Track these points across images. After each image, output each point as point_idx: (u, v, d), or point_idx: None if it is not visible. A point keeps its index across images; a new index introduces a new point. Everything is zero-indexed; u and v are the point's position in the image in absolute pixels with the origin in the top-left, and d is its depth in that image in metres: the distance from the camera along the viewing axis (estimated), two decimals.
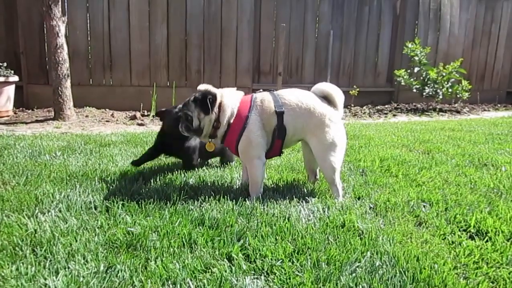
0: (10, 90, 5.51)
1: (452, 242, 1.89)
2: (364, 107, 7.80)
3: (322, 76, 7.81)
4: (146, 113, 6.26)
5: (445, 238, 1.94)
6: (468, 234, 1.99)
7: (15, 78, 5.56)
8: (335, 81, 7.57)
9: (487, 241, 1.90)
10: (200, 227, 1.91)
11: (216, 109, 2.31)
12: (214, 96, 2.31)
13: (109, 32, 6.47)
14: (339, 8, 7.91)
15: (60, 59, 5.22)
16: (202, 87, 2.38)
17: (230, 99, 2.35)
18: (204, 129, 2.36)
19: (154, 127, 5.29)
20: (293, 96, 2.37)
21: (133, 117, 5.82)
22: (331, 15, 7.88)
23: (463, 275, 1.62)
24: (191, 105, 2.34)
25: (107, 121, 5.60)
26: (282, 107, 2.32)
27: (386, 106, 8.09)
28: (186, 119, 2.37)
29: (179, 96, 6.54)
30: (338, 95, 2.43)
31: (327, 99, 2.42)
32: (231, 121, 2.33)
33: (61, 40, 5.21)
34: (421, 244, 1.85)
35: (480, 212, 2.19)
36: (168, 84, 6.79)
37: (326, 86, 2.44)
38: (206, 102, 2.28)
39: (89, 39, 6.43)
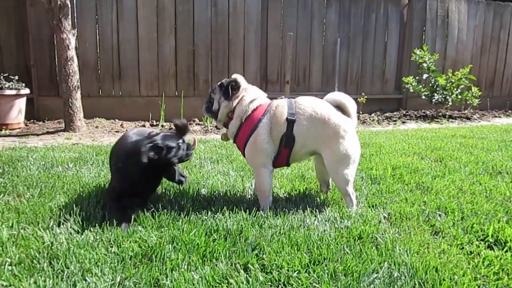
0: (21, 103, 5.58)
1: (471, 252, 1.86)
2: (373, 114, 7.77)
3: (329, 84, 7.82)
4: (155, 123, 6.30)
5: (463, 248, 1.91)
6: (486, 244, 1.96)
7: (26, 91, 5.63)
8: (342, 89, 7.57)
9: (506, 251, 1.87)
10: (215, 238, 1.90)
11: (236, 100, 2.38)
12: (238, 86, 2.39)
13: (118, 44, 6.54)
14: (346, 16, 7.94)
15: (71, 71, 5.28)
16: (234, 75, 2.45)
17: (251, 98, 2.39)
18: (219, 113, 2.43)
19: None
20: (308, 105, 2.34)
21: (142, 127, 5.85)
22: (338, 23, 7.90)
23: (484, 287, 1.59)
24: (217, 89, 2.46)
25: (116, 131, 5.63)
26: (294, 116, 2.30)
27: (395, 113, 8.07)
28: (209, 101, 2.49)
29: (188, 105, 6.57)
30: (351, 104, 2.41)
31: (340, 108, 2.40)
32: (243, 120, 2.35)
33: (71, 52, 5.28)
34: (439, 254, 1.82)
35: (497, 222, 2.16)
36: (176, 94, 6.83)
37: (339, 96, 2.42)
38: (228, 88, 2.37)
39: (98, 51, 6.50)
